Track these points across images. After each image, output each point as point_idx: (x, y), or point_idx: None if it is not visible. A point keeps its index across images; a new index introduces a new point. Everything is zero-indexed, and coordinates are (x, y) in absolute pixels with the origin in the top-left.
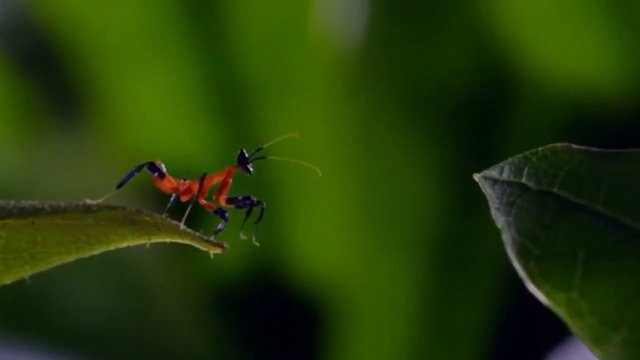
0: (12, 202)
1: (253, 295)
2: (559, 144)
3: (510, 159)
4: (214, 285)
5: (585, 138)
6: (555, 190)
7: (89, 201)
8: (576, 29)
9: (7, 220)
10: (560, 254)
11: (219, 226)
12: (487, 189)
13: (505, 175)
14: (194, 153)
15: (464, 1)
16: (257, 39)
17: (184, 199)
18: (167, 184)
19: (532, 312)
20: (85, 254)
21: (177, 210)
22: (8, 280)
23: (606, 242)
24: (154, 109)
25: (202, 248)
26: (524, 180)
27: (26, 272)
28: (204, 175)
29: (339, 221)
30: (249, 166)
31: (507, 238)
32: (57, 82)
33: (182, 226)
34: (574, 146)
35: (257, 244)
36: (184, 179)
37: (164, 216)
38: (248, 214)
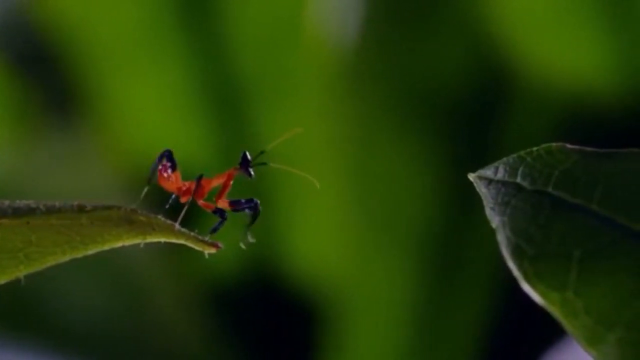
0: (6, 202)
1: (249, 295)
2: (553, 144)
3: (505, 159)
4: (209, 284)
5: (581, 138)
6: (550, 190)
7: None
8: (571, 28)
9: (2, 220)
10: (555, 253)
11: (216, 225)
12: (482, 189)
13: (500, 175)
14: (190, 153)
15: (460, 0)
16: (253, 39)
17: (183, 199)
18: (173, 182)
19: (528, 311)
20: (79, 254)
21: (173, 210)
22: (3, 280)
23: (601, 242)
24: (149, 109)
25: (197, 248)
26: (518, 180)
27: (21, 272)
28: (201, 176)
29: (334, 220)
30: (250, 169)
31: (501, 238)
32: (52, 82)
33: (176, 226)
34: (569, 146)
35: (253, 240)
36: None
37: (158, 216)
38: (253, 217)
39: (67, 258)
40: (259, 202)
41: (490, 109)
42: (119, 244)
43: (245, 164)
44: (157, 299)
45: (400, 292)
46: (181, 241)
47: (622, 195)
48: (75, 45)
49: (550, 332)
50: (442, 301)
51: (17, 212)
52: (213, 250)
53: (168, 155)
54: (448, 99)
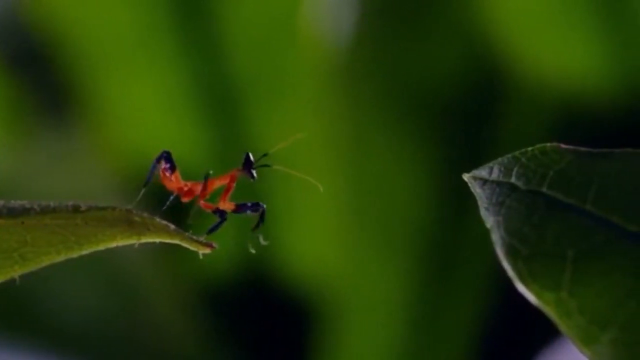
0: (1, 202)
1: (244, 295)
2: (548, 144)
3: (499, 159)
4: (204, 285)
5: (575, 138)
6: (544, 190)
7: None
8: (566, 28)
9: None
10: (549, 253)
11: (215, 225)
12: (476, 189)
13: (494, 175)
14: (185, 153)
15: (455, 1)
16: (247, 39)
17: (185, 200)
18: (174, 182)
19: (522, 312)
20: (74, 254)
21: (168, 211)
22: None
23: (595, 242)
24: (144, 109)
25: (192, 248)
26: (513, 180)
27: (15, 272)
28: (207, 177)
29: (329, 220)
30: (253, 171)
31: (496, 238)
32: (47, 82)
33: (171, 226)
34: (563, 146)
35: (254, 251)
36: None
37: (153, 216)
38: (260, 220)
39: (61, 258)
40: (265, 207)
41: (485, 109)
42: (114, 244)
43: (248, 165)
44: (152, 299)
45: (395, 292)
46: (176, 241)
47: (616, 195)
48: (70, 46)
49: (545, 332)
50: (437, 301)
51: (11, 212)
52: (208, 251)
53: (167, 157)
54: (443, 99)
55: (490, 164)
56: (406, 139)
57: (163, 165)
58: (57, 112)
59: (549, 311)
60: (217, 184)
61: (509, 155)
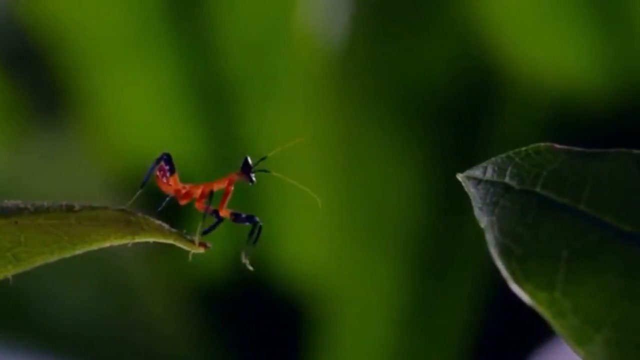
0: None
1: (237, 296)
2: (542, 144)
3: (493, 159)
4: (198, 285)
5: (569, 138)
6: (538, 190)
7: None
8: (559, 29)
9: None
10: (543, 253)
11: (211, 227)
12: (470, 189)
13: (488, 175)
14: (179, 153)
15: (448, 1)
16: (241, 39)
17: (182, 202)
18: (172, 184)
19: (516, 311)
20: (68, 254)
21: (164, 212)
22: None
23: (589, 242)
24: (138, 110)
25: (186, 248)
26: (507, 180)
27: (9, 272)
28: (207, 183)
29: (322, 221)
30: (252, 175)
31: (490, 238)
32: (41, 82)
33: (165, 226)
34: (557, 146)
35: (252, 268)
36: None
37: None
38: (251, 233)
39: (55, 258)
40: (260, 223)
41: (478, 109)
42: (108, 244)
43: (246, 169)
44: (145, 299)
45: (389, 293)
46: (170, 241)
47: (610, 195)
48: (65, 46)
49: (539, 332)
50: (431, 301)
51: (5, 212)
52: (202, 250)
53: (167, 159)
54: (436, 99)
55: (484, 164)
56: (400, 139)
57: (162, 167)
58: (51, 112)
59: (543, 311)
60: (216, 187)
61: (503, 155)
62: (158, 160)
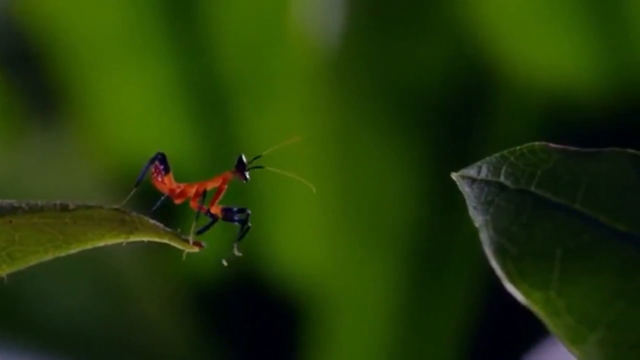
0: None
1: (233, 295)
2: (536, 143)
3: (488, 158)
4: (193, 284)
5: (564, 137)
6: (532, 189)
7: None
8: (554, 28)
9: None
10: (537, 252)
11: (205, 226)
12: (465, 188)
13: (483, 174)
14: (174, 153)
15: (443, 1)
16: (237, 39)
17: (177, 201)
18: (166, 183)
19: (511, 311)
20: (62, 253)
21: (159, 211)
22: None
23: (584, 241)
24: (134, 109)
25: (180, 247)
26: (501, 179)
27: (4, 271)
28: (202, 182)
29: (318, 219)
30: (246, 173)
31: (484, 237)
32: (37, 82)
33: (160, 225)
34: (552, 145)
35: (239, 253)
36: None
37: (141, 215)
38: (242, 226)
39: (50, 257)
40: (250, 213)
41: (473, 108)
42: (102, 243)
43: (241, 167)
44: (141, 299)
45: (384, 292)
46: (165, 240)
47: (604, 194)
48: (60, 46)
49: (534, 331)
50: (427, 300)
51: None
52: (196, 250)
53: (161, 158)
54: (432, 98)
55: (479, 163)
56: (395, 138)
57: (157, 166)
58: (47, 112)
59: (538, 310)
60: (210, 186)
61: (498, 155)
62: (152, 160)
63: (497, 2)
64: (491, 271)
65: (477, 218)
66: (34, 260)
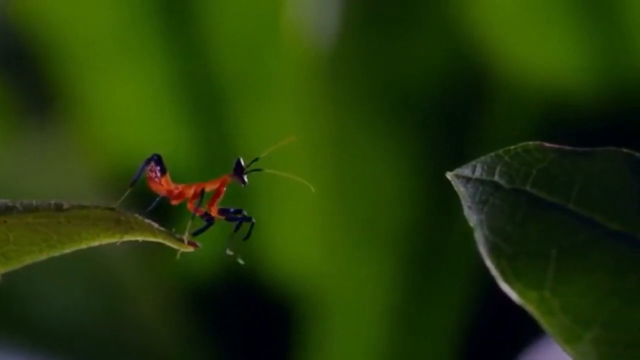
0: None
1: (228, 295)
2: (531, 143)
3: (482, 158)
4: (188, 284)
5: (558, 136)
6: (527, 188)
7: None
8: (549, 28)
9: None
10: (532, 252)
11: (201, 228)
12: (459, 188)
13: (477, 174)
14: (169, 153)
15: (438, 1)
16: (231, 39)
17: (174, 202)
18: (164, 185)
19: (506, 310)
20: (57, 252)
21: (154, 211)
22: None
23: (578, 241)
24: (129, 109)
25: (175, 247)
26: (496, 178)
27: None
28: (200, 183)
29: (313, 219)
30: (244, 177)
31: (479, 236)
32: (32, 82)
33: (155, 225)
34: (546, 144)
35: (242, 262)
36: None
37: (136, 215)
38: (237, 228)
39: (44, 256)
40: (253, 219)
41: (468, 108)
42: (97, 243)
43: (239, 170)
44: (135, 299)
45: (380, 292)
46: (159, 240)
47: (599, 194)
48: (55, 46)
49: (529, 331)
50: (422, 300)
51: None
52: (191, 249)
53: (157, 160)
54: (426, 98)
55: (474, 162)
56: (390, 138)
57: (153, 167)
58: (42, 112)
59: (532, 309)
60: (208, 188)
61: (492, 154)
62: (147, 161)
63: (491, 2)
64: (486, 271)
65: (472, 217)
66: (28, 260)
